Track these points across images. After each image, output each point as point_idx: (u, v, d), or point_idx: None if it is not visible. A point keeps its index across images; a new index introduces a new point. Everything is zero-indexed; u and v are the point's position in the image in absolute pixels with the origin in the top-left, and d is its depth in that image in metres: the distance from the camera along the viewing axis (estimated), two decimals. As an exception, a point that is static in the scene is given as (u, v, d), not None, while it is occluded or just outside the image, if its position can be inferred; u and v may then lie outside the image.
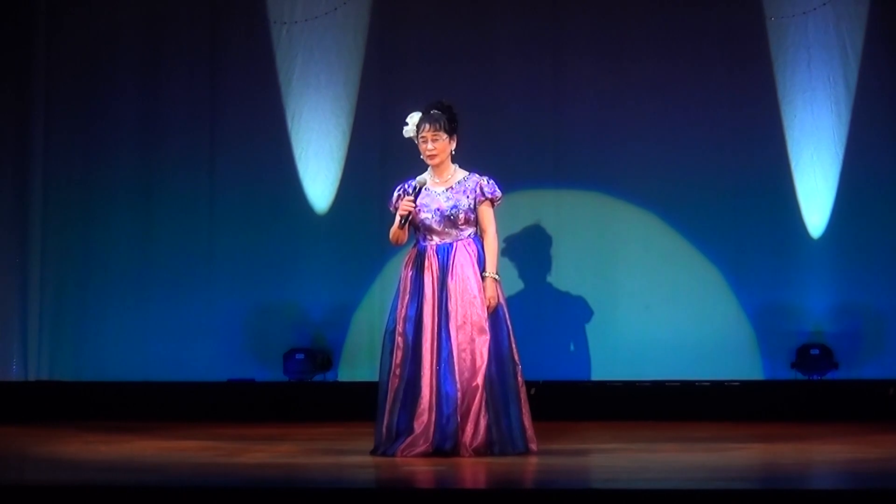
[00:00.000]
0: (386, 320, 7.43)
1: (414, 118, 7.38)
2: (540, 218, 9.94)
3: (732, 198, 9.92)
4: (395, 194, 7.41)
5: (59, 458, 7.29)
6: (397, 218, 7.31)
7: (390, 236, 7.39)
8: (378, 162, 10.01)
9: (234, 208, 10.31)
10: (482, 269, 7.28)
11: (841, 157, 9.88)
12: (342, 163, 10.24)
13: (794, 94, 9.94)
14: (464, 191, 7.35)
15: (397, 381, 7.21)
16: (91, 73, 10.46)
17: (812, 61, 9.92)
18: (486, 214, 7.36)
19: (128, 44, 10.47)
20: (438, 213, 7.31)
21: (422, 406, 7.14)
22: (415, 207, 7.27)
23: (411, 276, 7.31)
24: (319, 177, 10.25)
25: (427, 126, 7.32)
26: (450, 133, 7.34)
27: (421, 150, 7.36)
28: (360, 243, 10.05)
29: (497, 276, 7.30)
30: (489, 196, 7.36)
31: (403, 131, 7.39)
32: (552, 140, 10.09)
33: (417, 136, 7.36)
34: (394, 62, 10.26)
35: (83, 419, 9.73)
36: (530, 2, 10.23)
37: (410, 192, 7.31)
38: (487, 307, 7.23)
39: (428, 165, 7.38)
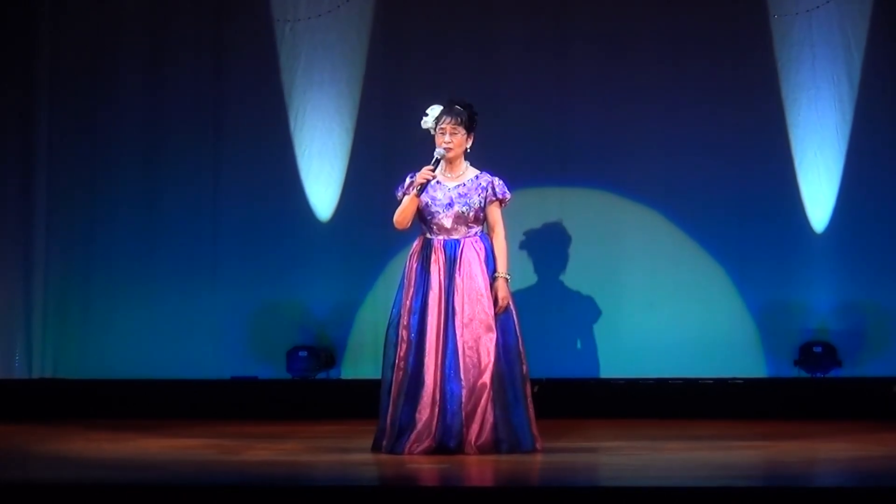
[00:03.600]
0: (389, 314, 7.42)
1: (434, 110, 7.37)
2: (545, 216, 9.93)
3: (736, 196, 9.92)
4: (408, 179, 7.38)
5: (63, 456, 7.29)
6: (413, 189, 7.27)
7: (397, 215, 7.33)
8: (381, 160, 10.00)
9: (237, 206, 10.30)
10: (491, 267, 7.29)
11: (844, 154, 9.87)
12: (346, 161, 10.23)
13: (797, 91, 9.94)
14: (476, 188, 7.35)
15: (401, 374, 7.19)
16: (94, 71, 10.45)
17: (816, 59, 9.92)
18: (496, 214, 7.36)
19: (130, 42, 10.46)
20: (450, 208, 7.30)
21: (424, 400, 7.12)
22: (433, 178, 7.27)
23: (417, 269, 7.30)
24: (323, 175, 10.24)
25: (447, 119, 7.32)
26: (468, 130, 7.34)
27: (437, 143, 7.33)
28: (363, 241, 10.05)
29: (508, 276, 7.30)
30: (500, 196, 7.36)
31: (422, 122, 7.38)
32: (557, 138, 10.09)
33: (436, 128, 7.35)
34: (397, 60, 10.26)
35: (87, 417, 9.72)
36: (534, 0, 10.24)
37: (431, 163, 7.30)
38: (500, 307, 7.23)
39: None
